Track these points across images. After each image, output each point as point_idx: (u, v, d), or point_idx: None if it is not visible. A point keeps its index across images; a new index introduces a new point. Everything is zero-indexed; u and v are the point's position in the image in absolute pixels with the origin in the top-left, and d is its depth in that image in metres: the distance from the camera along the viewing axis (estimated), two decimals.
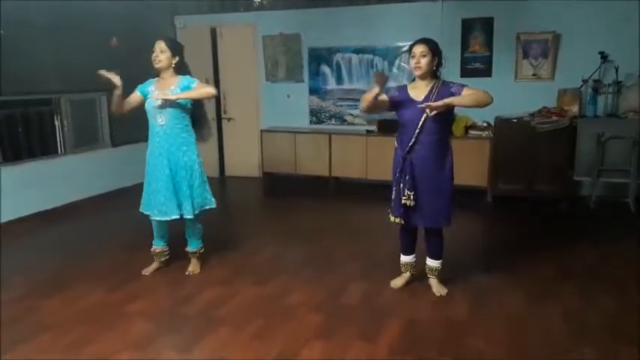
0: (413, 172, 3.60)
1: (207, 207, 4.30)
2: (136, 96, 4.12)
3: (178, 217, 4.12)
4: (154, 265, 4.43)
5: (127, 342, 3.28)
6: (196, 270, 4.39)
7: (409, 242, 3.96)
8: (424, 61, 3.50)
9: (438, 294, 3.83)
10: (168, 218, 4.12)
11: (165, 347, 3.26)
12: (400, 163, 3.66)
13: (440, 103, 3.34)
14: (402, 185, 3.64)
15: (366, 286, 4.05)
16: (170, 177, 4.05)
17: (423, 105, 3.39)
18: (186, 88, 4.02)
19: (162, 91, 3.99)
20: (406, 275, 4.01)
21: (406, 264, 4.00)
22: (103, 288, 4.09)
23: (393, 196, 3.73)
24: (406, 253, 3.99)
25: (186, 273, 4.35)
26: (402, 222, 3.73)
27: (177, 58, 4.03)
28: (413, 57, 3.53)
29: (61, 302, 3.86)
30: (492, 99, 3.48)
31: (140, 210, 4.27)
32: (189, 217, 4.15)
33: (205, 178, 4.28)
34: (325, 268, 4.44)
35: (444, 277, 3.94)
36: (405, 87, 3.71)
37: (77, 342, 3.29)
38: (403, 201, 3.63)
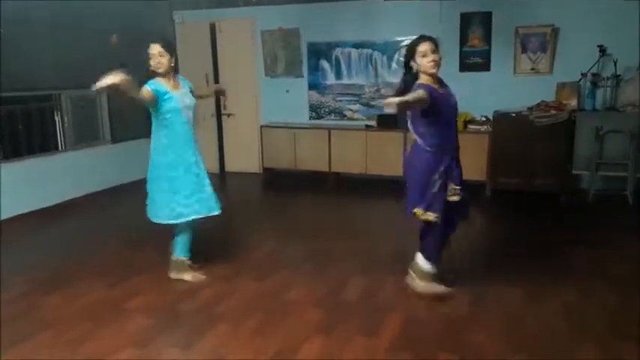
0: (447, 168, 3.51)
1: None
2: (148, 93, 3.82)
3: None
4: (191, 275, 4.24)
5: (128, 339, 3.29)
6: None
7: (443, 246, 3.78)
8: (437, 57, 3.40)
9: (415, 290, 3.74)
10: (217, 212, 4.13)
11: (166, 344, 3.27)
12: (439, 159, 3.50)
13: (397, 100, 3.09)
14: (443, 180, 3.48)
15: (366, 281, 4.05)
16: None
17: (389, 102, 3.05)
18: (189, 87, 4.07)
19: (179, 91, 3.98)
20: (430, 283, 3.76)
21: (435, 274, 3.75)
22: (103, 285, 4.10)
23: (429, 191, 3.48)
24: (438, 261, 3.75)
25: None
26: (438, 220, 3.48)
27: (173, 58, 3.98)
28: (425, 56, 3.37)
29: (62, 299, 3.87)
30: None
31: (181, 219, 4.01)
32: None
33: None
34: (325, 263, 4.45)
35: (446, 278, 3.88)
36: (425, 84, 3.42)
37: (78, 339, 3.30)
38: (450, 197, 3.49)
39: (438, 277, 3.77)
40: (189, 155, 4.04)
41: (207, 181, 4.12)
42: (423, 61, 3.39)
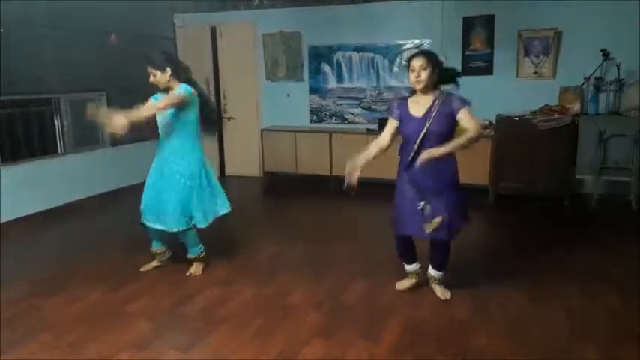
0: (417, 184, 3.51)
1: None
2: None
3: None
4: (153, 263, 4.44)
5: (128, 342, 3.27)
6: (198, 272, 4.36)
7: (409, 252, 3.85)
8: (424, 75, 3.36)
9: (443, 297, 3.75)
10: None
11: (166, 347, 3.24)
12: (404, 177, 3.57)
13: (435, 154, 3.30)
14: (411, 198, 3.54)
15: (367, 285, 4.03)
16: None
17: (421, 160, 3.31)
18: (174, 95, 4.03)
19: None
20: (413, 280, 3.93)
21: (413, 272, 3.90)
22: (103, 287, 4.07)
23: (400, 213, 3.61)
24: (409, 262, 3.89)
25: (187, 274, 4.32)
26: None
27: (169, 70, 3.98)
28: (413, 71, 3.40)
29: (62, 302, 3.85)
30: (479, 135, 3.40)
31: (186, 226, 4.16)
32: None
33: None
34: (326, 267, 4.42)
35: (448, 282, 3.86)
36: (405, 101, 3.57)
37: (78, 342, 3.28)
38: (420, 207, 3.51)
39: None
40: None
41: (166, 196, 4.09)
42: (411, 77, 3.44)
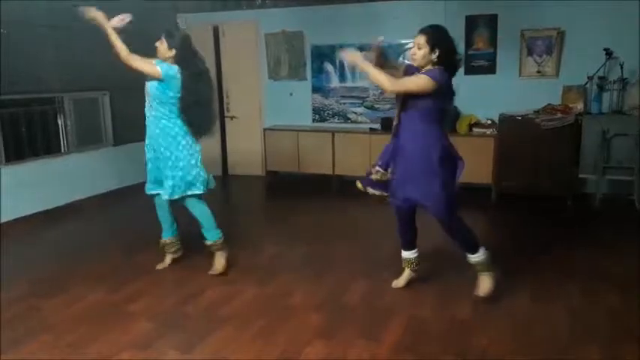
0: (398, 152, 3.60)
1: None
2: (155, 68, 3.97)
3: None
4: (168, 260, 4.44)
5: (128, 342, 3.27)
6: (220, 266, 4.30)
7: (408, 235, 3.85)
8: (420, 54, 3.39)
9: (481, 293, 3.65)
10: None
11: (167, 347, 3.24)
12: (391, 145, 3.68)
13: (350, 57, 3.63)
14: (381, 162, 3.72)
15: (368, 285, 4.02)
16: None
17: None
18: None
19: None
20: (407, 273, 3.93)
21: (407, 260, 3.91)
22: (104, 287, 4.07)
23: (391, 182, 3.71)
24: (406, 248, 3.89)
25: (209, 272, 4.29)
26: (375, 193, 3.78)
27: (173, 51, 4.00)
28: (413, 45, 3.45)
29: (63, 302, 3.84)
30: (390, 88, 3.46)
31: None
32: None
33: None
34: (327, 267, 4.41)
35: (449, 280, 3.83)
36: (415, 68, 3.54)
37: (79, 342, 3.28)
38: (373, 176, 3.69)
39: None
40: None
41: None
42: (410, 52, 3.54)
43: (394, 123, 3.65)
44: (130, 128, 6.72)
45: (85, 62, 6.48)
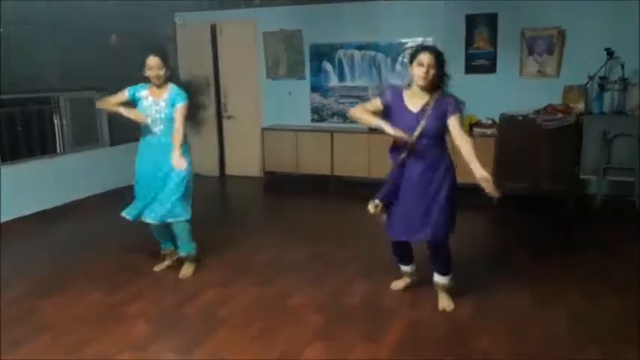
0: (402, 184, 3.45)
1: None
2: (123, 96, 4.09)
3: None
4: (166, 263, 4.42)
5: (128, 343, 3.25)
6: (189, 273, 4.31)
7: (405, 254, 3.80)
8: (432, 73, 3.27)
9: (441, 308, 3.62)
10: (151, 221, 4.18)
11: (166, 348, 3.22)
12: (395, 175, 3.48)
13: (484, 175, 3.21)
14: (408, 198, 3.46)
15: (368, 286, 3.99)
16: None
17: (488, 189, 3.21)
18: (174, 100, 4.01)
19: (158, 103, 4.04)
20: (407, 280, 3.92)
21: (408, 273, 3.89)
22: (102, 288, 4.04)
23: (392, 213, 3.53)
24: (405, 263, 3.86)
25: (179, 276, 4.28)
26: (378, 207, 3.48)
27: (168, 69, 4.04)
28: (420, 65, 3.27)
29: (62, 302, 3.82)
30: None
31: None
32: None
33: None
34: (327, 268, 4.38)
35: (454, 291, 3.73)
36: (399, 91, 3.49)
37: (77, 343, 3.25)
38: (370, 210, 3.44)
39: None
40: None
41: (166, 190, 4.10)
42: (417, 71, 3.31)
43: (402, 156, 3.41)
44: (127, 128, 6.66)
45: (81, 62, 6.45)
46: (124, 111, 4.01)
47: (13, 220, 5.65)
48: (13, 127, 5.91)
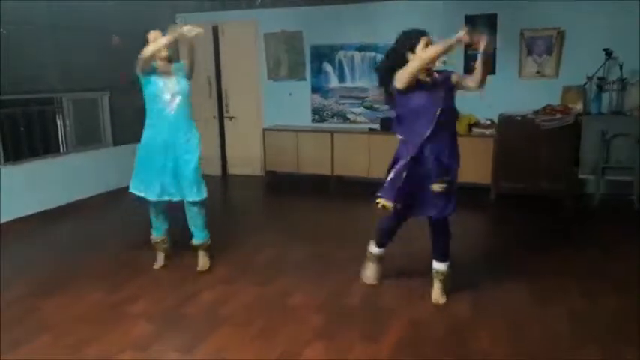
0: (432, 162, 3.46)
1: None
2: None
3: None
4: (161, 257, 4.45)
5: (128, 342, 3.26)
6: (206, 266, 4.37)
7: (393, 235, 3.85)
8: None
9: (434, 300, 3.68)
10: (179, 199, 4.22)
11: (167, 347, 3.23)
12: (415, 151, 3.43)
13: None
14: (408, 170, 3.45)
15: (368, 286, 4.01)
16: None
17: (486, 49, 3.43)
18: (180, 69, 4.19)
19: (170, 80, 4.10)
20: (379, 266, 3.97)
21: (378, 255, 3.96)
22: (104, 288, 4.06)
23: (390, 179, 3.52)
24: (382, 246, 3.93)
25: (198, 269, 4.34)
26: (396, 208, 3.50)
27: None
28: (428, 46, 3.41)
29: (62, 302, 3.84)
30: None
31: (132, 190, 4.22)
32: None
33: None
34: (327, 267, 4.40)
35: (450, 282, 3.77)
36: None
37: (78, 342, 3.27)
38: (435, 188, 3.44)
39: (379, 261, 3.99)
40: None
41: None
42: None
43: (425, 135, 3.39)
44: (130, 128, 6.72)
45: (84, 62, 6.48)
46: (166, 38, 3.92)
47: (16, 220, 5.69)
48: (15, 127, 5.95)
